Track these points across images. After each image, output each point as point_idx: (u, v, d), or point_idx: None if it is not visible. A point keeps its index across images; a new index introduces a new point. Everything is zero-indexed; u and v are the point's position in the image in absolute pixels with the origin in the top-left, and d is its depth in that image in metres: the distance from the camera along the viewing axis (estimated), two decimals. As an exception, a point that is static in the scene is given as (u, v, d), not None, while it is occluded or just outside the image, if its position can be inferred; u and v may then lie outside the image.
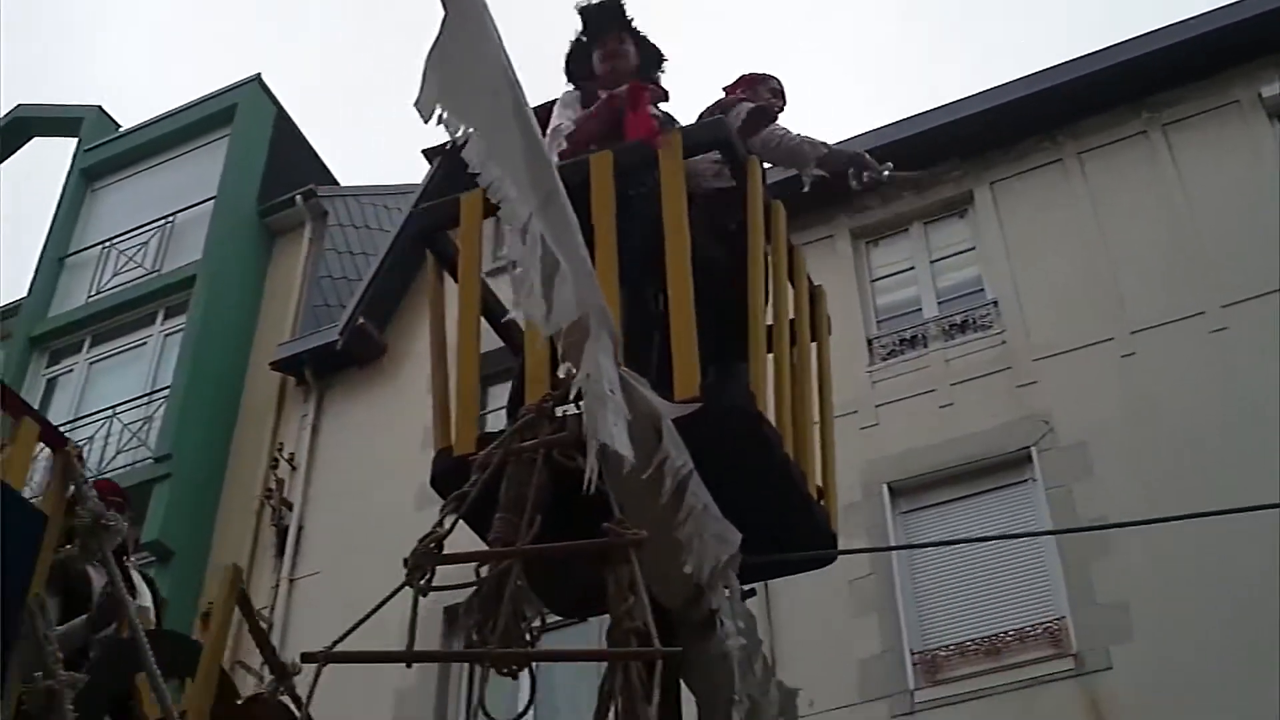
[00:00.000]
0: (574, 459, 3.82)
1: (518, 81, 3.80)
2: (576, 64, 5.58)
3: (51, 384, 18.25)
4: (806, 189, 5.64)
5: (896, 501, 12.62)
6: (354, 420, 16.10)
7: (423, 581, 3.70)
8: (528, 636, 3.62)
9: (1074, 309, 12.97)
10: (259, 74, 20.25)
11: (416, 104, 3.41)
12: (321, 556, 14.88)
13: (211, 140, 19.72)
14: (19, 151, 22.33)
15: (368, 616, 3.59)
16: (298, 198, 18.48)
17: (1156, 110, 13.80)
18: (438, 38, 3.55)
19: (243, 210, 18.70)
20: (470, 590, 3.70)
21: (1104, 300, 12.89)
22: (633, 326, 4.36)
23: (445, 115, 3.47)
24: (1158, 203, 13.28)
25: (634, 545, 3.57)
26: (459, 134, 3.51)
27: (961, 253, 14.34)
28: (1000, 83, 14.53)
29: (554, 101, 5.45)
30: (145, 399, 17.19)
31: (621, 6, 5.57)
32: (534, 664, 3.61)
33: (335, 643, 3.53)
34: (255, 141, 19.63)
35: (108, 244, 19.32)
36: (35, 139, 22.44)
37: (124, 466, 16.09)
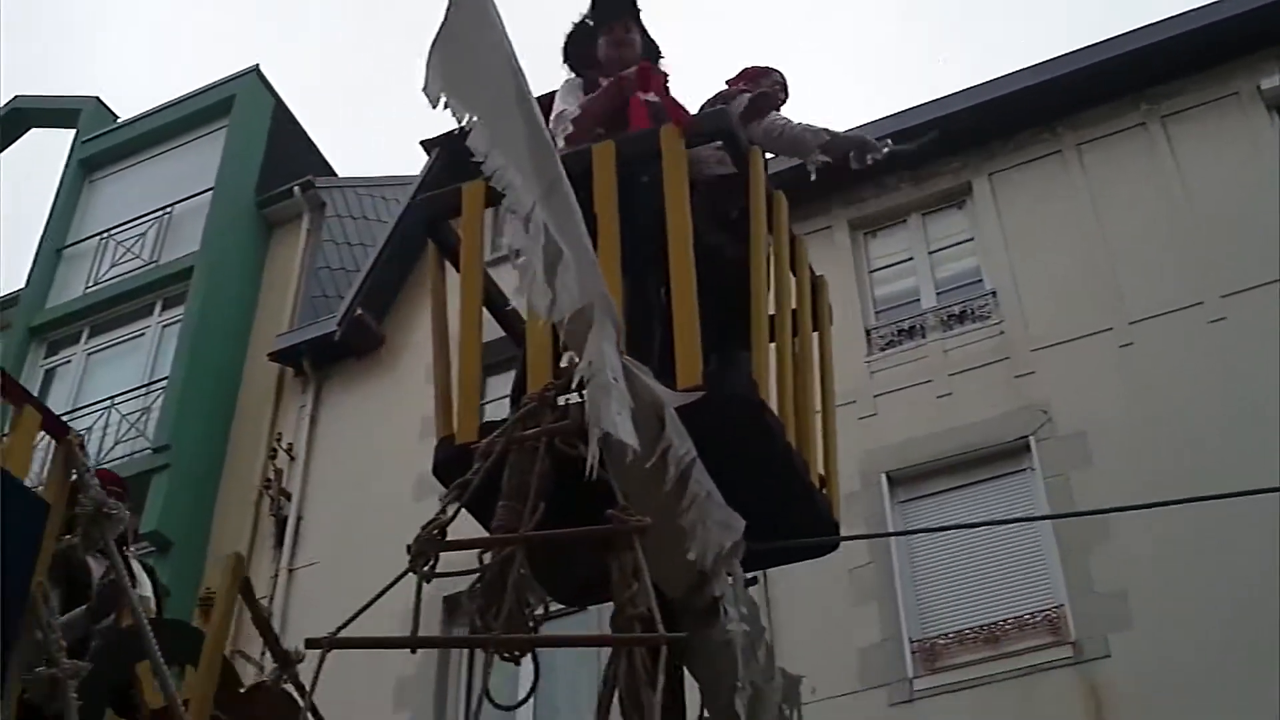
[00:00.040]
0: (576, 447, 3.83)
1: (521, 71, 3.81)
2: (577, 49, 5.55)
3: (50, 375, 18.24)
4: (813, 177, 5.63)
5: (895, 491, 12.64)
6: (352, 411, 16.10)
7: (426, 568, 3.71)
8: (530, 623, 3.64)
9: (1072, 299, 12.98)
10: (257, 65, 20.23)
11: (424, 89, 3.41)
12: (320, 547, 14.89)
13: (209, 131, 19.70)
14: (17, 143, 22.32)
15: (371, 603, 3.60)
16: (296, 189, 18.46)
17: (1155, 102, 13.80)
18: (442, 26, 3.56)
19: (241, 201, 18.69)
20: (471, 578, 3.72)
21: (1103, 291, 12.90)
22: (635, 315, 4.37)
23: (450, 102, 3.47)
24: (1156, 194, 13.29)
25: (638, 532, 3.59)
26: (464, 121, 3.51)
27: (960, 243, 14.35)
28: (999, 75, 14.53)
29: (555, 93, 5.45)
30: (143, 390, 17.19)
31: None
32: (536, 650, 3.63)
33: (339, 629, 3.54)
34: (253, 133, 19.60)
35: (106, 235, 19.30)
36: (33, 130, 22.43)
37: (122, 457, 16.10)
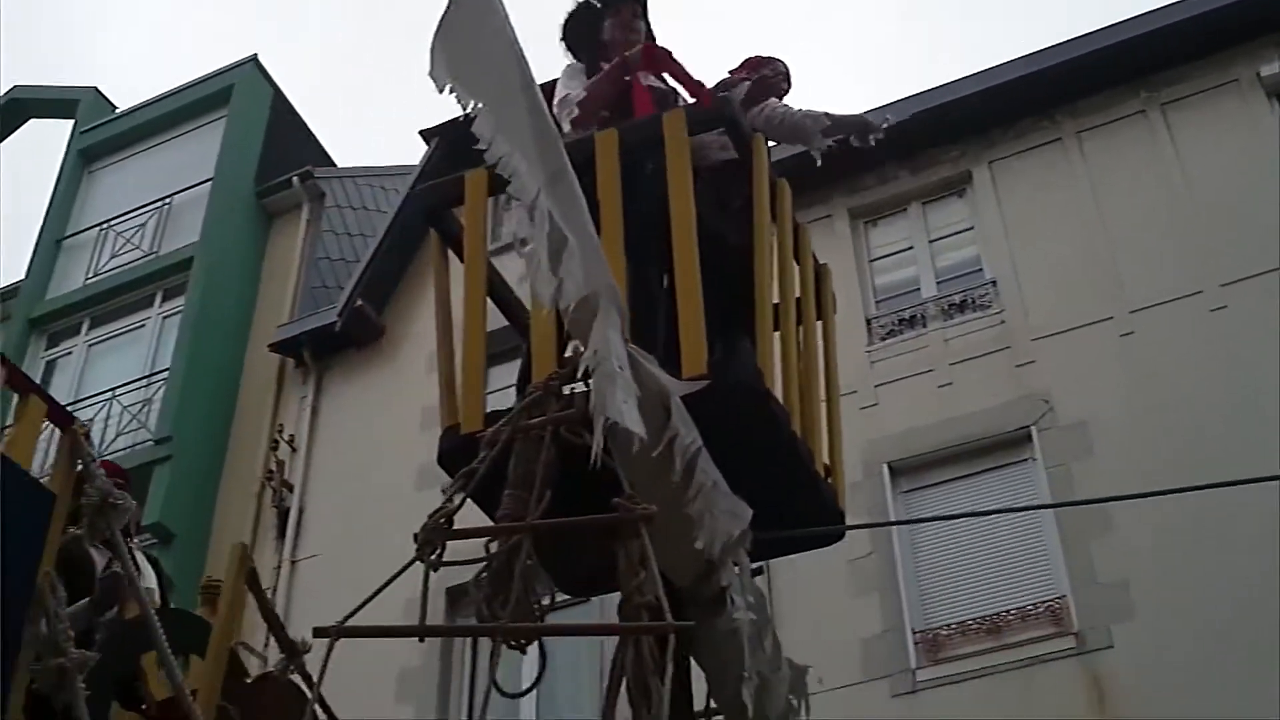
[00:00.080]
0: (581, 436, 3.83)
1: (524, 58, 3.80)
2: (578, 31, 5.53)
3: (50, 366, 18.23)
4: (819, 162, 5.61)
5: (897, 481, 12.63)
6: (353, 401, 16.09)
7: (433, 557, 3.71)
8: (537, 611, 3.64)
9: (1073, 288, 12.97)
10: (255, 55, 20.20)
11: (430, 74, 3.40)
12: (322, 538, 14.89)
13: (208, 122, 19.67)
14: (16, 133, 22.29)
15: (379, 591, 3.60)
16: (295, 179, 18.44)
17: (1155, 89, 13.78)
18: (445, 13, 3.55)
19: (240, 192, 18.67)
20: (477, 567, 3.71)
21: (1103, 279, 12.89)
22: (638, 304, 4.36)
23: (455, 89, 3.47)
24: (1156, 182, 13.28)
25: (644, 520, 3.59)
26: (469, 108, 3.50)
27: (960, 232, 14.33)
28: (999, 62, 14.51)
29: (556, 81, 5.43)
30: (144, 381, 17.18)
31: None
32: (542, 638, 3.63)
33: (347, 617, 3.54)
34: (252, 123, 19.58)
35: (105, 225, 19.28)
36: (32, 120, 22.40)
37: (124, 449, 16.08)
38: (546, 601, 3.74)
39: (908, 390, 13.02)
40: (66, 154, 20.64)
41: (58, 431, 4.53)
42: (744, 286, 4.55)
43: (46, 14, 49.77)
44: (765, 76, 5.49)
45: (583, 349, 3.87)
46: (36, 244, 19.67)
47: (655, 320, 4.57)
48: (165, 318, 17.87)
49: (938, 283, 14.01)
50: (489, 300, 4.89)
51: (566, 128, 4.97)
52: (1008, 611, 11.55)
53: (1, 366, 4.21)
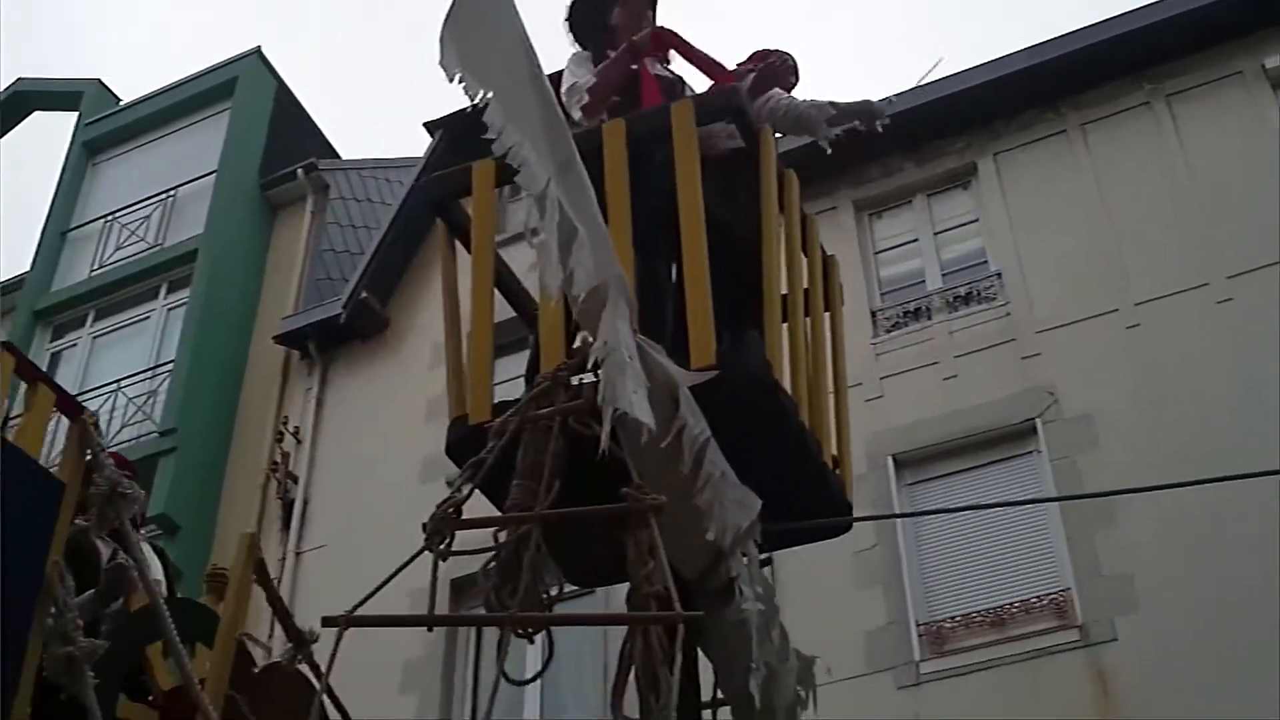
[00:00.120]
0: (590, 427, 3.82)
1: (533, 49, 3.80)
2: (585, 16, 5.51)
3: (55, 358, 18.24)
4: (829, 151, 5.59)
5: (901, 474, 12.62)
6: (358, 393, 16.11)
7: (442, 546, 3.71)
8: (545, 598, 3.64)
9: (1078, 281, 12.95)
10: (259, 47, 20.20)
11: (440, 63, 3.40)
12: (327, 529, 14.90)
13: (212, 114, 19.68)
14: (19, 126, 22.30)
15: (387, 581, 3.60)
16: (299, 171, 18.44)
17: (1160, 81, 13.75)
18: (454, 3, 3.55)
19: (244, 184, 18.68)
20: (480, 560, 3.71)
21: (1108, 272, 12.87)
22: (646, 295, 4.36)
23: (465, 79, 3.46)
24: (1161, 174, 13.26)
25: (653, 510, 3.58)
26: (478, 98, 3.49)
27: (965, 224, 14.32)
28: (1003, 54, 14.49)
29: (562, 72, 5.41)
30: (149, 373, 17.20)
31: None
32: (550, 627, 3.63)
33: (355, 607, 3.54)
34: (256, 115, 19.58)
35: (110, 218, 19.30)
36: (36, 113, 22.41)
37: (129, 440, 16.10)
38: (554, 592, 3.74)
39: (912, 383, 13.01)
40: (71, 146, 20.66)
41: (63, 422, 4.55)
42: (752, 277, 4.54)
43: (50, 7, 49.78)
44: (772, 64, 5.45)
45: (591, 339, 3.86)
46: (41, 236, 19.69)
47: (663, 311, 4.57)
48: (170, 310, 17.90)
49: (943, 275, 14.00)
50: (496, 291, 4.88)
51: (577, 115, 4.96)
52: (1012, 604, 11.55)
53: (10, 355, 4.21)
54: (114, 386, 17.15)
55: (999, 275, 13.49)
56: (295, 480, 15.48)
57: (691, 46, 5.26)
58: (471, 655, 13.30)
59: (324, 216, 18.26)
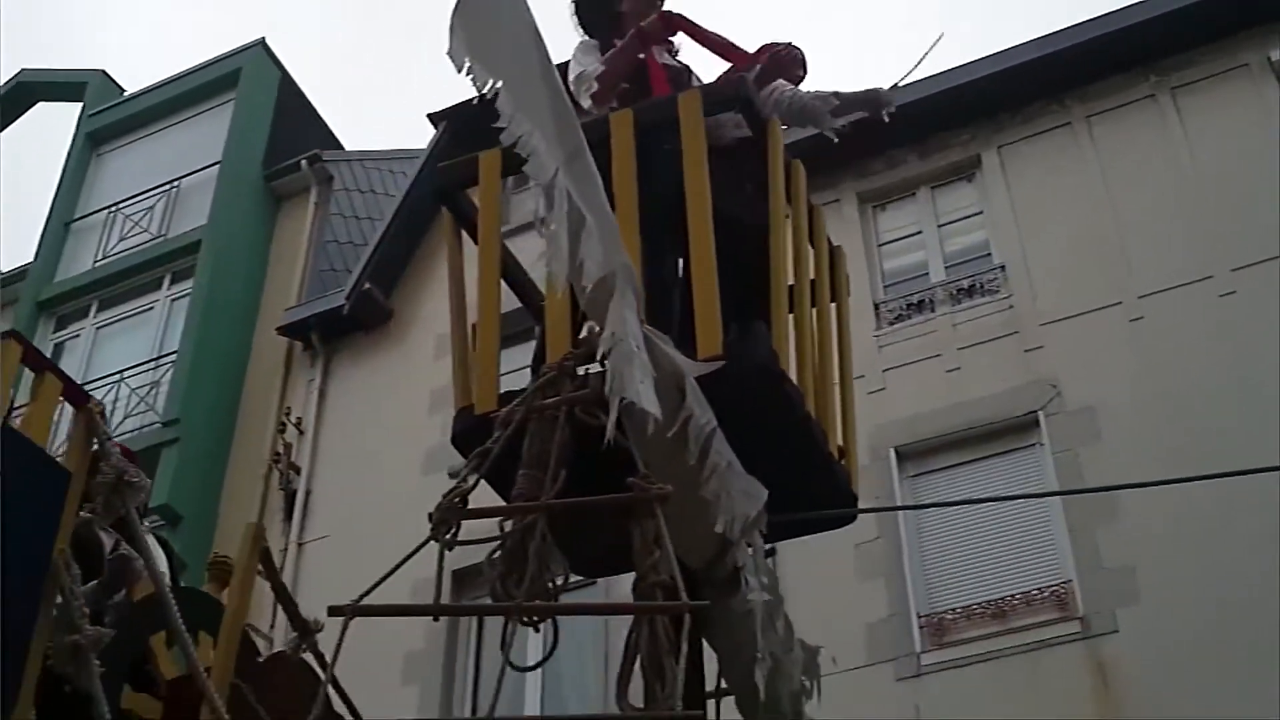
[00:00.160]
0: (596, 417, 3.83)
1: (542, 38, 3.80)
2: (591, 2, 5.49)
3: (59, 349, 18.24)
4: (835, 140, 5.58)
5: (903, 466, 12.63)
6: (361, 385, 16.12)
7: (448, 536, 3.72)
8: (551, 586, 3.65)
9: (1082, 273, 12.96)
10: (263, 38, 20.22)
11: (449, 54, 3.40)
12: (330, 520, 14.92)
13: (216, 105, 19.69)
14: (23, 117, 22.30)
15: (393, 571, 3.60)
16: (303, 162, 18.45)
17: (1165, 74, 13.74)
18: (463, -7, 3.54)
19: (248, 175, 18.69)
20: (481, 551, 3.72)
21: (1112, 264, 12.87)
22: (653, 285, 4.36)
23: (474, 69, 3.46)
24: (1166, 167, 13.25)
25: (659, 499, 3.59)
26: (487, 88, 3.49)
27: (969, 217, 14.32)
28: (1008, 46, 14.48)
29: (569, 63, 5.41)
30: (152, 364, 17.22)
31: None
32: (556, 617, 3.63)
33: (361, 596, 3.54)
34: (260, 106, 19.59)
35: (113, 209, 19.31)
36: (40, 104, 22.41)
37: (132, 431, 16.11)
38: (561, 580, 3.74)
39: (915, 375, 13.01)
40: (74, 137, 20.67)
41: (67, 412, 4.55)
42: (759, 268, 4.54)
43: (51, 2, 49.75)
44: (779, 54, 5.43)
45: (598, 329, 3.87)
46: (45, 227, 19.70)
47: (669, 301, 4.57)
48: (173, 300, 17.90)
49: (946, 267, 14.00)
50: (501, 281, 4.88)
51: (586, 103, 4.95)
52: (1013, 596, 11.57)
53: (17, 344, 4.22)
54: (117, 377, 17.16)
55: (1002, 268, 13.49)
56: (298, 471, 15.49)
57: (702, 28, 5.25)
58: (473, 646, 13.33)
59: (327, 208, 18.26)
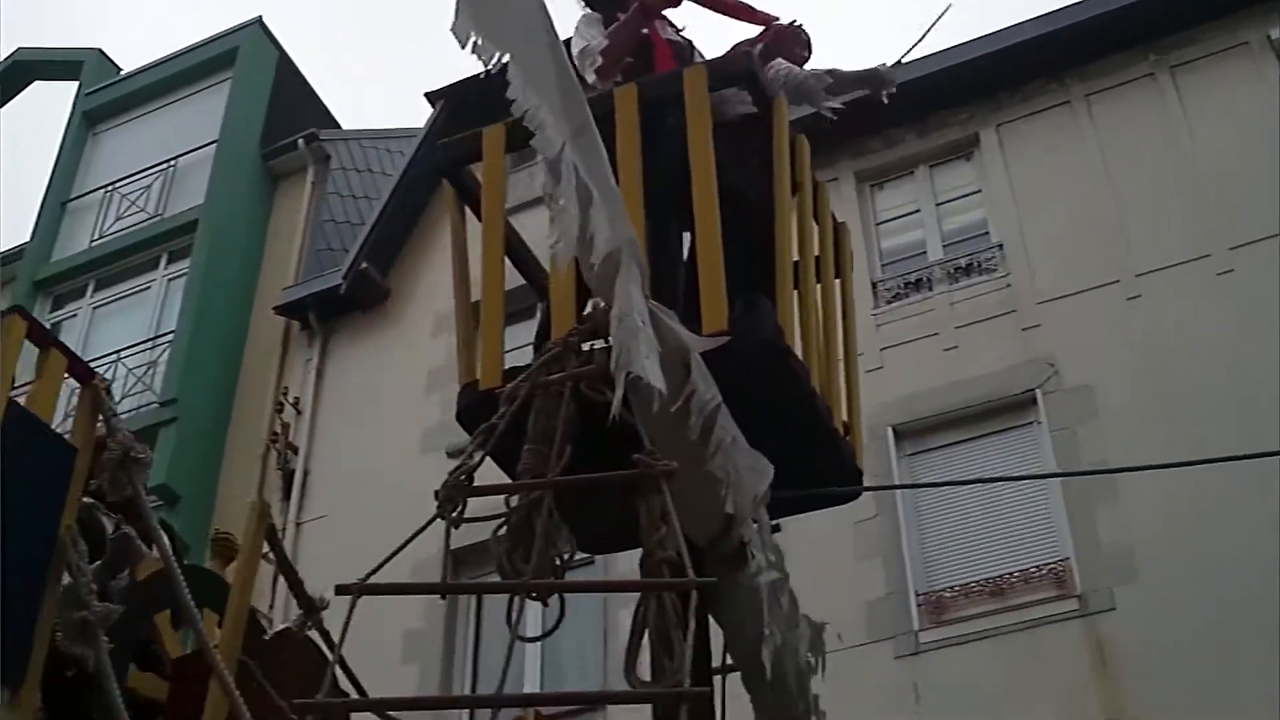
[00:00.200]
0: (602, 393, 3.81)
1: (548, 12, 3.78)
2: None
3: (56, 329, 18.14)
4: (833, 118, 5.56)
5: (901, 444, 12.65)
6: (358, 364, 16.11)
7: (454, 514, 3.71)
8: (558, 562, 3.64)
9: (1080, 251, 12.95)
10: (260, 17, 20.15)
11: (453, 29, 3.39)
12: (327, 500, 14.93)
13: (213, 84, 19.64)
14: (19, 96, 22.24)
15: (400, 549, 3.58)
16: (300, 141, 18.42)
17: (1164, 52, 13.72)
18: (470, -31, 3.53)
19: (245, 154, 18.65)
20: (480, 528, 3.71)
21: (1110, 243, 12.87)
22: (658, 260, 4.35)
23: (479, 42, 3.45)
24: (1165, 145, 13.24)
25: (665, 475, 3.58)
26: (493, 61, 3.48)
27: (967, 195, 14.31)
28: (1007, 24, 14.45)
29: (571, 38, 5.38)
30: (149, 344, 17.20)
31: None
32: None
33: (368, 575, 3.52)
34: (257, 85, 19.54)
35: (110, 188, 19.27)
36: (36, 83, 22.35)
37: (129, 411, 16.07)
38: (567, 557, 3.74)
39: (913, 353, 13.02)
40: (71, 116, 20.62)
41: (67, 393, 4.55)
42: (763, 244, 4.53)
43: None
44: (782, 28, 5.41)
45: (603, 305, 3.86)
46: (41, 206, 19.67)
47: (674, 277, 4.56)
48: (170, 280, 17.89)
49: (944, 246, 14.00)
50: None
51: (591, 78, 4.93)
52: (1011, 574, 11.59)
53: (22, 320, 4.21)
54: (114, 357, 17.14)
55: (1000, 246, 13.49)
56: (295, 451, 15.50)
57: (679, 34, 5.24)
58: (472, 624, 13.36)
59: (325, 187, 18.23)
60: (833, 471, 4.73)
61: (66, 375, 4.32)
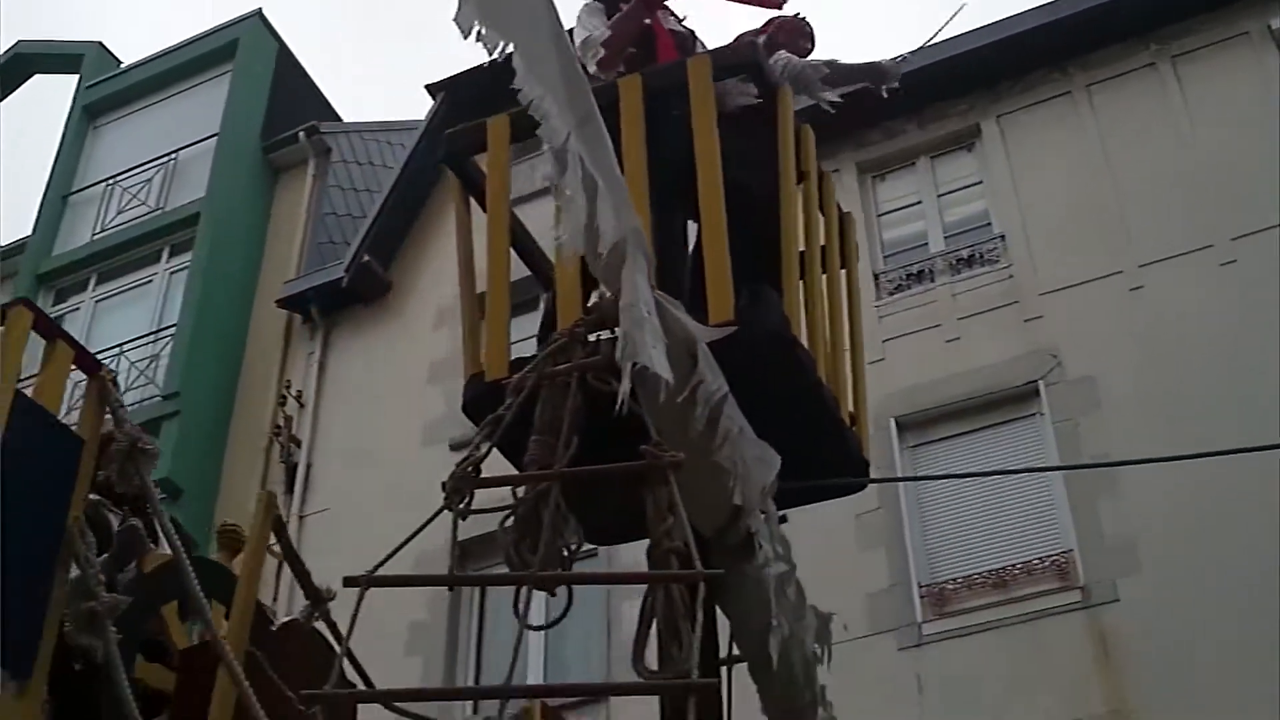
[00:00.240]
0: (608, 383, 3.81)
1: (552, 4, 3.78)
2: None
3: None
4: (832, 111, 5.56)
5: (904, 436, 12.64)
6: (360, 357, 16.12)
7: (461, 505, 3.71)
8: (565, 553, 3.65)
9: (1081, 242, 12.94)
10: (260, 9, 20.12)
11: (456, 19, 3.38)
12: (330, 493, 14.93)
13: (214, 76, 19.63)
14: (20, 89, 22.22)
15: (408, 541, 3.58)
16: (301, 134, 18.42)
17: (1165, 42, 13.71)
18: (474, -41, 3.52)
19: (246, 147, 18.64)
20: (482, 520, 3.71)
21: (1112, 233, 12.86)
22: (663, 251, 4.34)
23: (483, 32, 3.44)
24: (1166, 135, 13.23)
25: (672, 466, 3.58)
26: (497, 51, 3.48)
27: (968, 186, 14.30)
28: (1008, 15, 14.43)
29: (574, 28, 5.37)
30: (152, 337, 17.20)
31: None
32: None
33: (376, 567, 3.52)
34: (258, 77, 19.53)
35: (111, 181, 19.26)
36: (36, 76, 22.32)
37: (132, 405, 16.02)
38: (576, 546, 3.74)
39: (915, 345, 13.01)
40: (71, 110, 20.60)
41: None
42: (769, 234, 4.53)
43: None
44: (785, 19, 5.41)
45: (610, 295, 3.86)
46: (42, 200, 19.66)
47: (679, 267, 4.56)
48: (172, 273, 17.88)
49: (945, 237, 13.99)
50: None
51: (592, 68, 4.93)
52: (1014, 566, 11.59)
53: (28, 312, 4.21)
54: (116, 351, 17.11)
55: (1002, 237, 13.48)
56: (298, 444, 15.50)
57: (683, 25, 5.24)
58: (475, 616, 13.37)
59: (326, 180, 18.23)
60: (839, 462, 4.74)
61: (73, 367, 4.31)
